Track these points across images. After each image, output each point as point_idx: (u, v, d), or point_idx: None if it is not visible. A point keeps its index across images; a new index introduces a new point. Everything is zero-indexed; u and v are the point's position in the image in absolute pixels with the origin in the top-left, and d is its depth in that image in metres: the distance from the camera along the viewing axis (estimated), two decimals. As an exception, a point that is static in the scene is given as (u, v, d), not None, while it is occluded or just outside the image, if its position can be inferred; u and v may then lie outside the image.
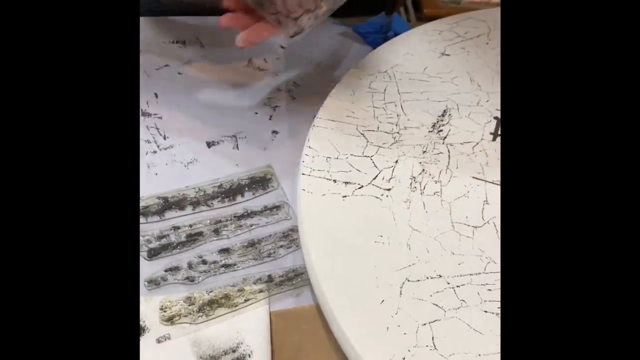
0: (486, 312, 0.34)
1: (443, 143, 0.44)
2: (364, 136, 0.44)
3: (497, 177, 0.41)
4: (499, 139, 0.44)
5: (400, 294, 0.35)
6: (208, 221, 0.43)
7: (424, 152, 0.43)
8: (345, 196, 0.40)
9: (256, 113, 0.51)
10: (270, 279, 0.40)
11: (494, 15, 0.55)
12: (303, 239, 0.39)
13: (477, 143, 0.44)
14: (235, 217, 0.43)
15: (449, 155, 0.43)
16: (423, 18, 1.04)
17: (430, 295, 0.35)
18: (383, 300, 0.34)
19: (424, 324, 0.33)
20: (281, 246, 0.42)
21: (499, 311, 0.34)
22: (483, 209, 0.39)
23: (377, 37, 0.56)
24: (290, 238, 0.42)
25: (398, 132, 0.44)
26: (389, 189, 0.41)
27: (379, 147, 0.43)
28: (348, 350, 0.33)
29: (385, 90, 0.48)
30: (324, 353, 0.35)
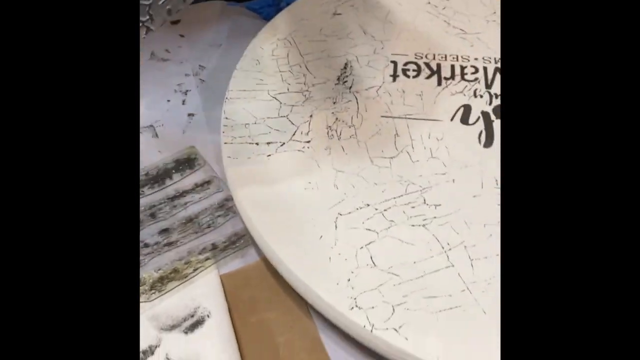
0: (413, 225, 0.37)
1: (350, 92, 0.47)
2: (276, 99, 0.46)
3: (402, 111, 0.45)
4: (398, 79, 0.48)
5: (336, 227, 0.37)
6: (142, 208, 0.44)
7: (335, 103, 0.46)
8: (269, 155, 0.42)
9: (168, 101, 0.52)
10: (214, 246, 0.41)
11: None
12: (238, 203, 0.40)
13: (380, 86, 0.47)
14: (168, 199, 0.44)
15: (357, 102, 0.46)
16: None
17: (363, 223, 0.38)
18: (321, 236, 0.37)
19: (362, 248, 0.36)
20: (219, 216, 0.43)
21: (424, 223, 0.38)
22: (395, 141, 0.43)
23: (271, 10, 0.59)
24: (226, 207, 0.44)
25: (307, 90, 0.47)
26: (308, 141, 0.43)
27: (292, 106, 0.46)
28: (298, 287, 0.35)
29: (287, 55, 0.50)
30: (277, 298, 0.38)
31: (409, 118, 0.45)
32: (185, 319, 0.37)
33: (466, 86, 0.47)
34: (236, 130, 0.44)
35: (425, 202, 0.39)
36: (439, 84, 0.48)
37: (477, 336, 0.32)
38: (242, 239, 0.42)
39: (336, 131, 0.44)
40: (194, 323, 0.36)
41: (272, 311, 0.38)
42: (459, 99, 0.46)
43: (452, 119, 0.45)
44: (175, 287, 0.39)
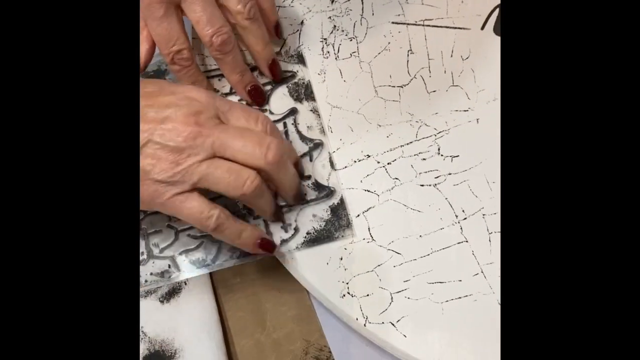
0: (422, 185, 0.31)
1: (353, -16, 0.36)
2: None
3: (420, 15, 0.35)
4: (417, -35, 0.36)
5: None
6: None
7: (333, 1, 0.36)
8: (249, 82, 0.34)
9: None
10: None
11: None
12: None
13: (393, -25, 0.36)
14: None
15: (362, 0, 0.36)
16: None
17: (361, 181, 0.31)
18: (310, 199, 0.31)
19: (358, 215, 0.30)
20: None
21: (436, 182, 0.31)
22: (408, 61, 0.34)
23: None
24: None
25: (298, -18, 0.37)
26: (297, 62, 0.34)
27: (278, 7, 0.36)
28: (282, 262, 0.31)
29: None
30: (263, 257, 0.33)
31: (427, 25, 0.35)
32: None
33: (507, -26, 0.36)
34: (208, 47, 0.35)
35: (439, 152, 0.31)
36: (471, -30, 0.36)
37: (489, 334, 0.27)
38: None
39: (333, 46, 0.35)
40: (170, 291, 0.33)
41: (257, 272, 0.33)
42: (495, -4, 0.35)
43: (483, 27, 0.35)
44: (148, 245, 0.34)
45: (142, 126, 0.26)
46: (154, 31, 0.29)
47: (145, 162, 0.26)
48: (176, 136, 0.26)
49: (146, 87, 0.28)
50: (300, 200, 0.30)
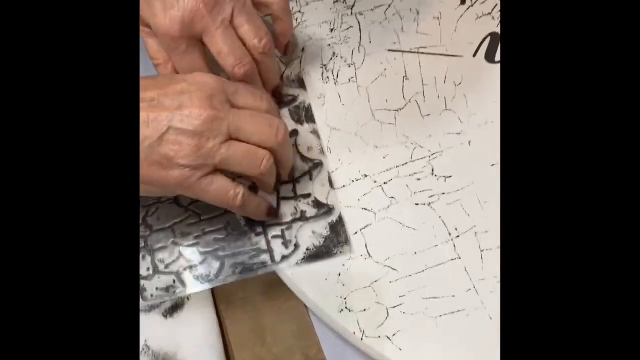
0: (417, 204, 0.32)
1: (352, 14, 0.38)
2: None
3: (415, 43, 0.37)
4: (412, -4, 0.39)
5: (327, 205, 0.32)
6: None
7: (332, 30, 0.38)
8: (252, 105, 0.36)
9: None
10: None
11: None
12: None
13: (389, 5, 0.38)
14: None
15: (360, 29, 0.38)
16: None
17: (359, 200, 0.32)
18: (310, 217, 0.32)
19: (356, 233, 0.32)
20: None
21: (430, 201, 0.32)
22: (403, 86, 0.36)
23: None
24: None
25: (300, 11, 0.38)
26: (299, 86, 0.36)
27: (281, 35, 0.38)
28: (283, 278, 0.32)
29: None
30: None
31: (422, 52, 0.37)
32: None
33: (496, 5, 0.38)
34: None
35: (433, 173, 0.33)
36: (463, 1, 0.38)
37: (481, 347, 0.28)
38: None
39: (332, 72, 0.36)
40: (173, 306, 0.34)
41: (258, 288, 0.34)
42: (485, 25, 0.37)
43: (475, 54, 0.36)
44: (153, 261, 0.35)
45: (161, 114, 0.27)
46: (178, 65, 0.31)
47: (168, 149, 0.27)
48: (195, 120, 0.27)
49: (156, 78, 0.29)
50: (293, 175, 0.32)
